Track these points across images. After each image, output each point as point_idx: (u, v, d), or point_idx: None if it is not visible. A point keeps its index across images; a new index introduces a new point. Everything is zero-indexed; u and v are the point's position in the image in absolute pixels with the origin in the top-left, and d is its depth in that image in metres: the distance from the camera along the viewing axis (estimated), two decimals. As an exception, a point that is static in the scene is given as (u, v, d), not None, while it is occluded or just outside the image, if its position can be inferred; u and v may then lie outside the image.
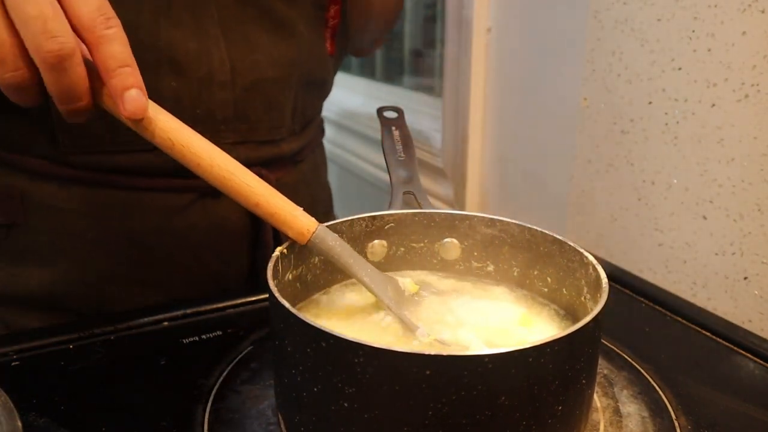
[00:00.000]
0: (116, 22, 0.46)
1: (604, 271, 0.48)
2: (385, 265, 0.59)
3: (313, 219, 0.51)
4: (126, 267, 0.73)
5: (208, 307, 0.68)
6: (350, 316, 0.55)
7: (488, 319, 0.54)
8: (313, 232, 0.50)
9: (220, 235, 0.75)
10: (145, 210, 0.71)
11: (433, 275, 0.61)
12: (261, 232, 0.77)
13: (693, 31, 0.73)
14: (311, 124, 0.85)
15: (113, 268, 0.73)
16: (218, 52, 0.69)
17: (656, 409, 0.53)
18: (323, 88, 0.85)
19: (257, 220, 0.76)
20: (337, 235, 0.52)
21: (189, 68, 0.67)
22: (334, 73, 0.89)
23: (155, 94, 0.49)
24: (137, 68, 0.46)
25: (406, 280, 0.56)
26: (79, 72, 0.45)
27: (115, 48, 0.45)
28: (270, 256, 0.76)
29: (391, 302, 0.52)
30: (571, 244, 0.53)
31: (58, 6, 0.44)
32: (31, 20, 0.43)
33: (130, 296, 0.73)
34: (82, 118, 0.48)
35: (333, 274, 0.59)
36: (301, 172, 0.83)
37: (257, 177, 0.50)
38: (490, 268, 0.60)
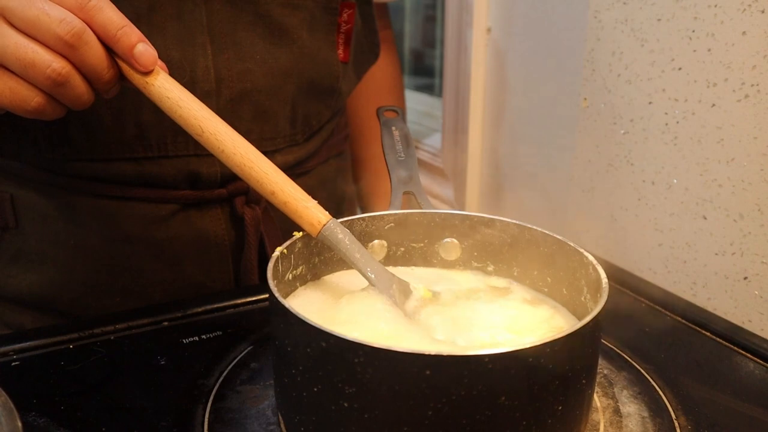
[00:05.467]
0: None
1: (604, 271, 0.48)
2: (384, 265, 0.59)
3: (325, 212, 0.52)
4: (107, 275, 0.72)
5: (208, 307, 0.68)
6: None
7: (502, 322, 0.53)
8: (324, 225, 0.51)
9: (203, 248, 0.74)
10: (126, 219, 0.71)
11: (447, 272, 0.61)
12: (245, 247, 0.75)
13: (693, 31, 0.73)
14: (318, 133, 0.81)
15: (95, 276, 0.72)
16: (203, 61, 0.67)
17: (656, 409, 0.52)
18: (331, 96, 0.80)
19: (242, 235, 0.75)
20: (348, 231, 0.52)
21: None
22: (356, 80, 0.85)
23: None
24: (133, 25, 0.50)
25: (420, 287, 0.55)
26: (98, 44, 0.49)
27: (107, 14, 0.49)
28: (253, 271, 0.76)
29: (393, 302, 0.52)
30: (571, 244, 0.53)
31: (48, 1, 0.48)
32: (36, 20, 0.47)
33: (113, 305, 0.72)
34: (115, 90, 0.53)
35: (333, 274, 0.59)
36: (306, 186, 0.78)
37: (276, 167, 0.52)
38: (490, 268, 0.60)
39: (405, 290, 0.54)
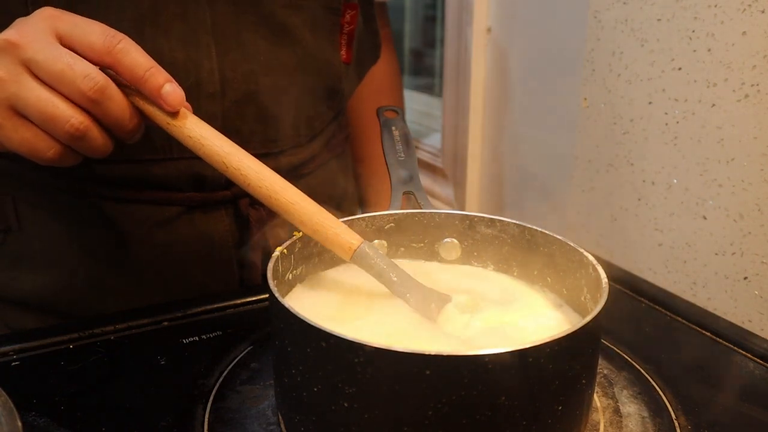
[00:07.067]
0: (122, 35, 0.50)
1: (604, 271, 0.48)
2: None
3: (356, 236, 0.52)
4: (110, 278, 0.72)
5: (208, 307, 0.68)
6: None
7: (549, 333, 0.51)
8: (355, 249, 0.51)
9: (208, 249, 0.74)
10: (129, 221, 0.71)
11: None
12: (249, 248, 0.75)
13: (693, 31, 0.73)
14: (321, 134, 0.81)
15: (98, 278, 0.72)
16: (208, 62, 0.67)
17: (656, 409, 0.53)
18: (333, 97, 0.79)
19: (246, 237, 0.75)
20: (381, 252, 0.52)
21: (174, 79, 0.66)
22: (357, 81, 0.85)
23: None
24: (159, 65, 0.51)
25: (462, 298, 0.54)
26: (121, 97, 0.51)
27: (134, 56, 0.50)
28: (257, 272, 0.76)
29: (431, 319, 0.51)
30: (571, 244, 0.53)
31: (74, 53, 0.49)
32: (60, 74, 0.48)
33: (115, 307, 0.71)
34: (138, 135, 0.54)
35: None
36: (308, 187, 0.77)
37: (303, 194, 0.52)
38: (490, 268, 0.60)
39: (445, 303, 0.53)
